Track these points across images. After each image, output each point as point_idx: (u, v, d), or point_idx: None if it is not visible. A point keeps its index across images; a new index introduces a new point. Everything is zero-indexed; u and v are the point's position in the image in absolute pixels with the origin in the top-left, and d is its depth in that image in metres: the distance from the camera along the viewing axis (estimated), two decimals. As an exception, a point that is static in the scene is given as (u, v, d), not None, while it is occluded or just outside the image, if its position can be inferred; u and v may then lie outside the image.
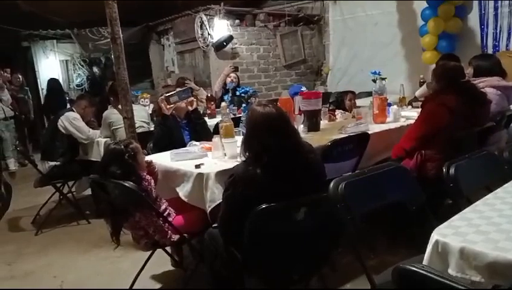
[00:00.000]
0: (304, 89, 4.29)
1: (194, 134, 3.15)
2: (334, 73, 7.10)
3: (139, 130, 3.57)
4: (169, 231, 2.31)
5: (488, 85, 3.15)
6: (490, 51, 5.03)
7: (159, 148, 2.93)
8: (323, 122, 3.59)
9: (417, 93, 4.12)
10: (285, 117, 1.98)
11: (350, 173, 1.93)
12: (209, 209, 2.23)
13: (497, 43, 5.07)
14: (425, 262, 1.25)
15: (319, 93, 3.65)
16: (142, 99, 4.89)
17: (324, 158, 2.57)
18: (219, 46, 6.25)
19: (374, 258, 2.53)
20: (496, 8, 5.04)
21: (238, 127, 2.95)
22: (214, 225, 2.14)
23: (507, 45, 4.99)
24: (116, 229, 2.30)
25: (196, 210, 2.38)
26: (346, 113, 4.00)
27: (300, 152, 1.94)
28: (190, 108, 3.17)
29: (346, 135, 2.93)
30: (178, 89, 3.20)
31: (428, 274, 0.96)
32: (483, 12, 5.14)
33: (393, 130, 3.26)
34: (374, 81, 3.66)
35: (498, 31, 5.05)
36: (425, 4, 5.23)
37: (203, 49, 6.44)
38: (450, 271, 1.20)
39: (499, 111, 3.12)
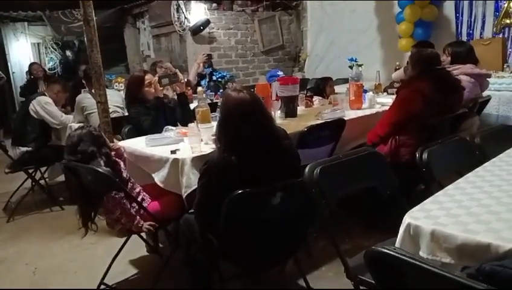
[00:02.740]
0: (281, 74, 4.28)
1: (170, 118, 3.12)
2: (311, 59, 7.10)
3: (113, 115, 3.50)
4: (137, 216, 2.27)
5: (462, 72, 3.21)
6: (464, 38, 5.10)
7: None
8: (301, 108, 3.60)
9: (393, 76, 4.17)
10: (260, 103, 1.96)
11: (325, 158, 1.93)
12: (185, 194, 2.21)
13: (471, 31, 5.15)
14: (397, 245, 1.27)
15: (296, 79, 3.65)
16: (117, 84, 4.79)
17: (301, 144, 2.58)
18: (196, 30, 6.16)
19: (348, 242, 2.57)
20: (470, -3, 5.11)
21: (215, 112, 2.93)
22: (190, 211, 2.13)
23: (481, 33, 5.07)
24: (87, 215, 2.26)
25: (172, 196, 2.36)
26: (324, 99, 4.02)
27: (274, 138, 1.93)
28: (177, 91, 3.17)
29: (323, 121, 2.94)
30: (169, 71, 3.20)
31: (400, 256, 0.97)
32: (458, 0, 5.20)
33: (369, 116, 3.29)
34: (351, 67, 3.68)
35: (472, 19, 5.12)
36: (402, -9, 5.26)
37: (179, 33, 6.34)
38: (421, 253, 1.22)
39: (471, 98, 3.19)
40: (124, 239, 2.54)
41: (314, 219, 1.99)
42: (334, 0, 6.50)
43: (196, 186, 2.05)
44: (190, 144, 2.39)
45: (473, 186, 1.52)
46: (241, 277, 2.30)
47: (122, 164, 2.37)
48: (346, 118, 3.01)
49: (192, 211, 2.04)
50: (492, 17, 4.94)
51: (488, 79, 3.49)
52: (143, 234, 2.65)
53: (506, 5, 4.80)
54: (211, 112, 2.86)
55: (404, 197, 2.10)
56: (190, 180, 2.20)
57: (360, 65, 3.66)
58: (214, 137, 2.00)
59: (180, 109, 3.20)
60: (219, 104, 3.12)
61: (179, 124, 3.05)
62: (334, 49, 6.52)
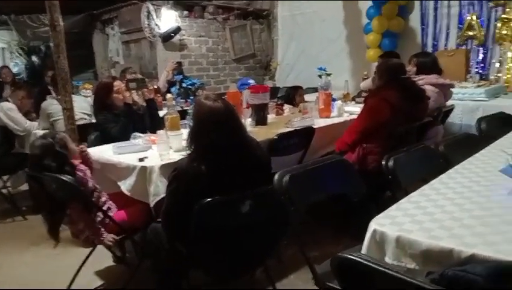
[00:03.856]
0: (252, 82, 4.30)
1: (139, 125, 3.07)
2: (282, 68, 7.16)
3: (79, 122, 3.43)
4: (102, 228, 2.22)
5: (427, 82, 3.30)
6: (430, 49, 5.26)
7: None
8: (271, 116, 3.62)
9: (362, 85, 4.25)
10: (233, 112, 1.95)
11: (294, 166, 1.94)
12: (153, 203, 2.18)
13: (436, 43, 5.32)
14: (363, 251, 1.29)
15: (267, 87, 3.67)
16: (84, 90, 4.69)
17: (271, 151, 2.59)
18: (166, 37, 6.11)
19: (317, 249, 2.59)
20: (435, 9, 5.28)
21: (185, 119, 2.91)
22: (158, 220, 2.10)
23: (445, 45, 5.25)
24: (53, 226, 2.19)
25: (139, 204, 2.32)
26: (294, 107, 4.05)
27: (246, 147, 1.93)
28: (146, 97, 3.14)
29: (293, 129, 2.96)
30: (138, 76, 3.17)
31: (365, 262, 0.98)
32: (424, 12, 5.37)
33: (337, 124, 3.34)
34: (320, 76, 3.74)
35: (437, 31, 5.30)
36: (370, 3, 5.39)
37: (149, 40, 6.27)
38: (387, 259, 1.24)
39: (436, 107, 3.29)
40: (89, 249, 2.47)
41: (284, 227, 1.99)
42: (304, 10, 6.59)
43: (164, 194, 2.02)
44: (158, 151, 2.36)
45: (436, 193, 1.55)
46: (211, 286, 2.27)
47: (88, 172, 2.31)
48: (315, 126, 3.04)
49: (160, 219, 2.01)
50: (456, 29, 5.13)
51: (451, 89, 3.60)
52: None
53: (469, 17, 4.99)
54: (181, 119, 2.83)
55: (372, 203, 2.14)
56: (158, 189, 2.17)
57: (329, 74, 3.72)
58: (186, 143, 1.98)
59: (149, 115, 3.16)
60: (189, 111, 3.11)
61: (147, 131, 3.01)
62: (304, 58, 6.60)
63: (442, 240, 1.18)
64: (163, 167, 2.21)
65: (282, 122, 3.32)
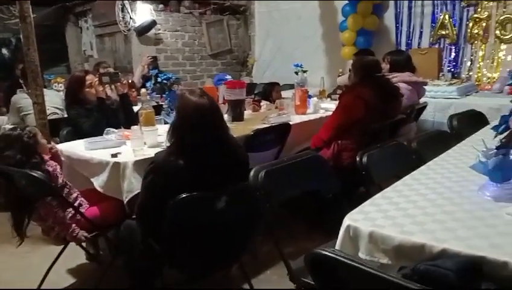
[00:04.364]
0: (228, 78, 4.28)
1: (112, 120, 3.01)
2: (259, 64, 7.15)
3: (51, 117, 3.34)
4: (72, 224, 2.17)
5: (400, 80, 3.35)
6: (403, 47, 5.34)
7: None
8: (248, 113, 3.61)
9: (339, 80, 4.29)
10: (218, 109, 1.93)
11: (270, 162, 1.94)
12: (126, 199, 2.14)
13: (409, 41, 5.41)
14: (337, 246, 1.29)
15: (244, 83, 3.66)
16: (56, 84, 4.57)
17: (247, 147, 2.58)
18: (141, 31, 6.01)
19: (292, 245, 2.60)
20: (409, 8, 5.35)
21: (160, 115, 2.87)
22: (132, 216, 2.06)
23: (419, 43, 5.34)
24: (21, 222, 2.13)
25: (112, 201, 2.28)
26: (270, 104, 4.05)
27: (227, 146, 1.91)
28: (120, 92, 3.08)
29: (269, 125, 2.96)
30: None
31: (339, 258, 0.99)
32: (398, 11, 5.44)
33: (313, 121, 3.36)
34: (296, 73, 3.75)
35: (411, 29, 5.38)
36: (345, 1, 5.43)
37: (124, 34, 6.16)
38: (360, 254, 1.25)
39: (409, 105, 3.34)
40: (61, 247, 2.41)
41: (259, 223, 1.99)
42: (281, 7, 6.59)
43: (138, 191, 1.99)
44: (132, 147, 2.32)
45: (409, 188, 1.58)
46: (186, 283, 2.26)
47: (58, 168, 2.25)
48: (291, 123, 3.05)
49: (134, 216, 1.98)
50: (430, 28, 5.22)
51: (424, 87, 3.67)
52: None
53: (442, 17, 5.09)
54: (156, 114, 2.79)
55: (346, 199, 2.16)
56: (132, 185, 2.13)
57: (305, 71, 3.74)
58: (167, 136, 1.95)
59: (123, 110, 3.10)
60: (164, 106, 3.08)
61: (121, 126, 2.95)
62: (281, 55, 6.60)
63: (414, 235, 1.20)
64: (137, 163, 2.18)
65: (258, 118, 3.31)
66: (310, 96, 3.76)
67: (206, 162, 1.82)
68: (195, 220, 1.80)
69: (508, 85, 3.80)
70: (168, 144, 1.90)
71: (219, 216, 1.83)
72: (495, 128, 1.43)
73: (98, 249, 2.75)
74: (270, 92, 4.50)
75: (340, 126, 2.77)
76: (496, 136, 1.43)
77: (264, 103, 4.02)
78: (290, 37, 6.46)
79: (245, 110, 3.50)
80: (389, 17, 5.51)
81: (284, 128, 2.93)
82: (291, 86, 4.55)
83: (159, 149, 2.17)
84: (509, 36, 4.64)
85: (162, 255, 1.88)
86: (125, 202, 2.16)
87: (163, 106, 3.03)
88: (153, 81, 4.61)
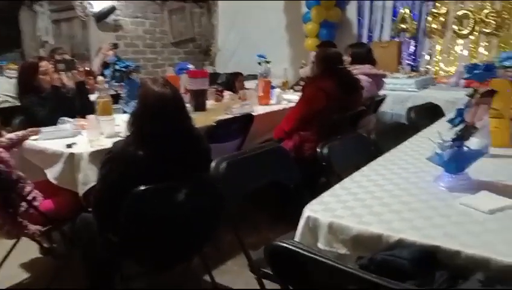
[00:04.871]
0: (190, 67, 4.20)
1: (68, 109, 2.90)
2: (223, 54, 7.08)
3: (2, 105, 3.18)
4: (24, 220, 2.08)
5: (361, 72, 3.40)
6: (365, 40, 5.43)
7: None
8: (210, 103, 3.57)
9: (301, 71, 4.31)
10: (181, 100, 1.88)
11: (231, 153, 1.92)
12: (82, 192, 2.07)
13: (371, 34, 5.51)
14: (297, 237, 1.30)
15: (206, 72, 3.61)
16: (8, 71, 4.35)
17: (209, 138, 2.55)
18: (100, 17, 5.81)
19: (255, 235, 2.60)
20: (371, 1, 5.45)
21: (118, 103, 2.78)
22: (88, 209, 1.99)
23: (380, 36, 5.44)
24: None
25: (68, 193, 2.19)
26: (234, 94, 4.02)
27: (189, 137, 1.87)
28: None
29: (232, 116, 2.94)
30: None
31: (297, 249, 0.99)
32: (360, 4, 5.52)
33: (276, 112, 3.36)
34: (260, 64, 3.73)
35: (373, 22, 5.48)
36: (309, -7, 5.46)
37: (82, 19, 5.93)
38: (319, 245, 1.26)
39: (369, 97, 3.40)
40: (14, 240, 2.31)
41: (220, 214, 1.97)
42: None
43: (94, 183, 1.92)
44: (88, 137, 2.24)
45: (367, 179, 1.60)
46: (145, 275, 2.22)
47: (12, 161, 2.13)
48: (254, 114, 3.04)
49: (90, 209, 1.91)
50: (390, 22, 5.33)
51: (383, 79, 3.74)
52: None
53: (402, 11, 5.20)
54: (114, 103, 2.71)
55: (308, 189, 2.17)
56: (87, 177, 2.06)
57: (268, 62, 3.73)
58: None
59: (79, 99, 2.98)
60: (122, 95, 2.99)
61: (77, 115, 2.84)
62: (245, 45, 6.55)
63: (372, 225, 1.21)
64: (93, 154, 2.10)
65: (221, 108, 3.28)
66: (273, 88, 3.76)
67: (166, 153, 1.78)
68: (154, 212, 1.76)
69: (464, 79, 3.93)
70: (128, 134, 1.84)
71: (179, 208, 1.79)
72: (451, 121, 1.46)
73: (52, 242, 2.65)
74: (233, 82, 4.46)
75: (302, 118, 2.79)
76: (451, 129, 1.46)
77: (227, 93, 3.99)
78: (254, 27, 6.41)
79: (207, 100, 3.46)
80: (351, 10, 5.59)
81: (247, 119, 2.92)
82: (254, 77, 4.52)
83: (116, 139, 2.10)
84: (466, 31, 4.80)
85: (120, 248, 1.83)
86: (80, 194, 2.08)
87: (122, 95, 2.93)
88: (111, 69, 4.47)
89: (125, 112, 2.78)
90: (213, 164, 1.72)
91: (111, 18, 5.95)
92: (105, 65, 4.78)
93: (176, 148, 1.79)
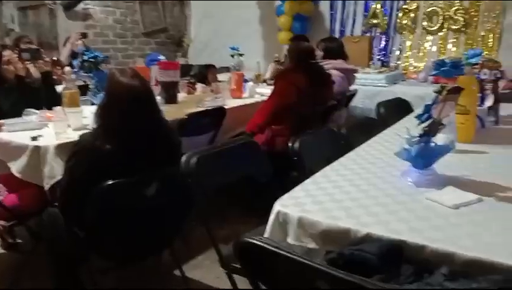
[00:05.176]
0: (162, 58, 4.13)
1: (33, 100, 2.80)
2: (195, 45, 7.00)
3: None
4: None
5: (332, 67, 3.42)
6: (337, 35, 5.47)
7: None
8: (182, 95, 3.53)
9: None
10: (151, 93, 1.85)
11: (202, 147, 1.90)
12: (48, 186, 2.01)
13: (343, 29, 5.55)
14: (267, 232, 1.30)
15: (177, 64, 3.56)
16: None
17: (181, 131, 2.52)
18: (68, 5, 5.64)
19: (226, 229, 2.60)
20: (344, -5, 5.48)
21: (85, 95, 2.71)
22: (54, 204, 1.94)
23: (352, 31, 5.49)
24: None
25: (33, 187, 2.13)
26: (206, 86, 3.99)
27: (159, 131, 1.84)
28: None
29: (204, 109, 2.91)
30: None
31: (265, 245, 0.99)
32: (333, -3, 5.55)
33: (249, 105, 3.36)
34: (233, 56, 3.71)
35: (345, 16, 5.51)
36: (283, -15, 5.44)
37: (49, 7, 5.74)
38: (289, 240, 1.26)
39: (340, 91, 3.43)
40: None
41: (190, 209, 1.95)
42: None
43: (60, 176, 1.87)
44: (55, 129, 2.17)
45: (337, 174, 1.61)
46: (114, 270, 2.18)
47: None
48: (227, 107, 3.02)
49: (56, 204, 1.86)
50: (362, 17, 5.38)
51: (355, 74, 3.78)
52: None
53: (374, 6, 5.26)
54: (82, 94, 2.64)
55: (280, 184, 2.17)
56: (53, 171, 2.00)
57: (241, 55, 3.70)
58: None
59: (45, 90, 2.89)
60: (90, 86, 2.91)
61: (43, 107, 2.76)
62: (218, 37, 6.48)
63: (341, 220, 1.22)
64: (60, 147, 2.04)
65: (193, 101, 3.25)
66: (246, 81, 3.74)
67: (135, 146, 1.75)
68: (122, 207, 1.73)
69: (431, 75, 4.02)
70: (95, 126, 1.80)
71: (148, 202, 1.77)
72: (418, 116, 1.49)
73: (15, 238, 2.58)
74: (205, 74, 4.43)
75: (274, 112, 2.79)
76: (419, 124, 1.48)
77: (199, 86, 3.95)
78: (228, 19, 6.35)
79: (179, 92, 3.41)
80: (324, 3, 5.61)
81: (219, 113, 2.90)
82: (228, 69, 4.50)
83: (83, 132, 2.05)
84: (435, 28, 4.90)
85: (87, 243, 1.79)
86: (46, 188, 2.02)
87: (90, 86, 2.86)
88: (80, 60, 4.34)
89: (93, 104, 2.71)
90: (183, 159, 1.70)
91: (80, 6, 5.79)
92: (73, 55, 4.64)
93: (145, 142, 1.76)
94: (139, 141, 1.75)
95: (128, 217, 1.76)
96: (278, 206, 1.31)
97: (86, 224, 1.75)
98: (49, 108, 2.50)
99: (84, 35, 5.06)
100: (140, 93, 1.77)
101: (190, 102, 3.28)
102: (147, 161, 1.77)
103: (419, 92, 3.80)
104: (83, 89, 2.87)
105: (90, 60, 2.80)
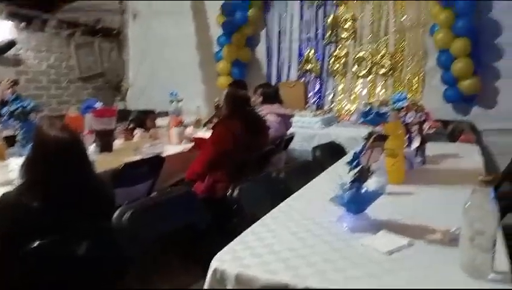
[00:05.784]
0: (98, 105, 4.02)
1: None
2: (134, 90, 6.92)
3: None
4: None
5: (270, 112, 3.52)
6: (274, 80, 5.65)
7: None
8: (119, 142, 3.44)
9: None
10: (79, 145, 1.78)
11: (136, 201, 1.84)
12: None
13: (279, 74, 5.74)
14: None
15: (113, 110, 3.47)
16: None
17: (116, 182, 2.43)
18: (-2, 51, 5.40)
19: (168, 281, 2.50)
20: (279, 43, 5.70)
21: (13, 146, 2.56)
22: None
23: (288, 76, 5.69)
24: None
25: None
26: (145, 132, 3.92)
27: (89, 185, 1.76)
28: None
29: (140, 158, 2.84)
30: None
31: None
32: (268, 45, 5.75)
33: (189, 151, 3.31)
34: (171, 102, 3.70)
35: (280, 63, 5.72)
36: (221, 31, 5.57)
37: (-23, 53, 5.47)
38: (229, 296, 1.23)
39: (279, 136, 3.51)
40: None
41: (126, 265, 1.86)
42: (156, 32, 6.47)
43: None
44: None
45: (275, 222, 1.61)
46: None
47: None
48: (166, 153, 2.98)
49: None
50: (297, 62, 5.61)
51: (291, 119, 3.89)
52: None
53: (307, 52, 5.51)
54: (10, 146, 2.49)
55: (221, 231, 2.14)
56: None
57: (180, 100, 3.71)
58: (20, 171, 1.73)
59: None
60: (18, 137, 2.76)
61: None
62: (157, 81, 6.45)
63: (279, 273, 1.21)
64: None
65: (130, 148, 3.17)
66: (185, 126, 3.72)
67: (63, 201, 1.66)
68: (51, 268, 1.62)
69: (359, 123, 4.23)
70: (20, 182, 1.70)
71: (79, 262, 1.67)
72: (349, 163, 1.55)
73: None
74: (144, 119, 4.36)
75: (212, 159, 2.78)
76: (349, 171, 1.54)
77: (137, 131, 3.87)
78: (167, 63, 6.34)
79: (116, 139, 3.32)
80: (261, 50, 5.80)
81: (157, 161, 2.84)
82: (167, 113, 4.47)
83: (10, 188, 1.92)
84: (364, 72, 5.21)
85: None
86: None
87: (18, 137, 2.70)
88: (8, 108, 4.11)
89: (22, 156, 2.56)
90: (116, 214, 1.63)
91: (11, 52, 5.56)
92: (3, 103, 4.40)
93: (74, 196, 1.68)
94: (67, 195, 1.67)
95: (57, 279, 1.64)
96: (215, 263, 1.28)
97: (12, 285, 1.61)
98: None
99: (14, 82, 4.84)
100: (69, 146, 1.70)
101: (127, 149, 3.20)
102: (77, 216, 1.68)
103: (352, 134, 3.97)
104: (12, 140, 2.72)
105: (19, 109, 2.65)
